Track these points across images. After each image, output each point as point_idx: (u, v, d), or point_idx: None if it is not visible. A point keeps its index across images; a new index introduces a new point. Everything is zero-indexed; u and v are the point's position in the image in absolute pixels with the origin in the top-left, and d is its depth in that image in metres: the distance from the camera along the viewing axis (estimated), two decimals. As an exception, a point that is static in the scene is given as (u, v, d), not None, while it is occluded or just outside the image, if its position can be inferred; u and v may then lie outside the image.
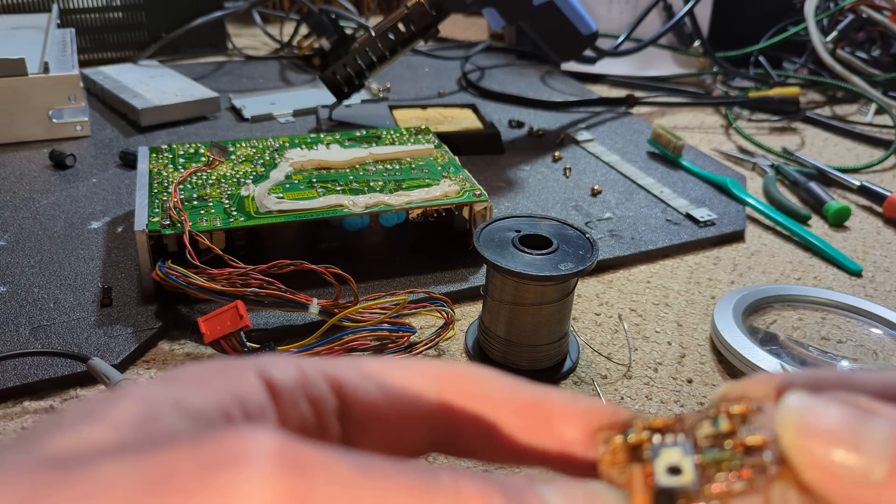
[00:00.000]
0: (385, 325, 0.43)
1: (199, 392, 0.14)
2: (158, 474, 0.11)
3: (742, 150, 0.77)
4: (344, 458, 0.12)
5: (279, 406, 0.15)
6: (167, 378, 0.14)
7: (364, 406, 0.16)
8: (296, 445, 0.12)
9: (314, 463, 0.11)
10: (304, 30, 1.03)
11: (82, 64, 0.85)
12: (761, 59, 0.96)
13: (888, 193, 0.63)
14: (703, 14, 0.95)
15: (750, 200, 0.62)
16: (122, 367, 0.40)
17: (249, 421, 0.14)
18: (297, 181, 0.51)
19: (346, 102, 0.79)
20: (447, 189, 0.50)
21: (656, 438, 0.14)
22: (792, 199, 0.65)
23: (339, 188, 0.50)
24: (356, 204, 0.47)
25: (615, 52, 0.86)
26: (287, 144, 0.57)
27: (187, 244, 0.42)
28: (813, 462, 0.13)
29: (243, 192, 0.49)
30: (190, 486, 0.11)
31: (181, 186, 0.49)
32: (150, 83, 0.81)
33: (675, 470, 0.14)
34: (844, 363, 0.43)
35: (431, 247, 0.53)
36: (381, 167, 0.54)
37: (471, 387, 0.16)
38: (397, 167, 0.54)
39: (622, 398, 0.40)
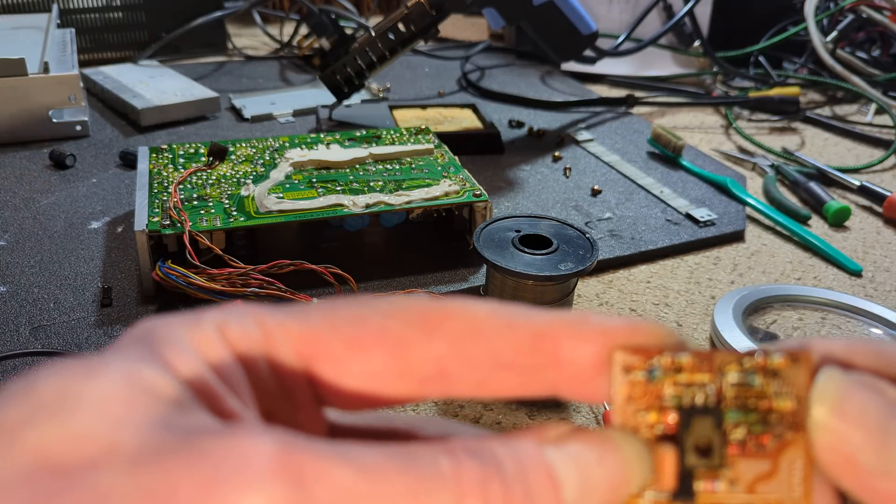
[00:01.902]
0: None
1: (177, 363, 0.13)
2: (160, 492, 0.11)
3: (742, 150, 0.77)
4: (343, 460, 0.12)
5: (245, 370, 0.14)
6: (138, 345, 0.14)
7: (337, 364, 0.15)
8: (294, 451, 0.12)
9: (314, 471, 0.11)
10: (304, 30, 1.03)
11: (82, 64, 0.85)
12: (761, 59, 0.96)
13: (888, 193, 0.63)
14: (703, 14, 0.95)
15: (750, 200, 0.62)
16: (122, 367, 0.40)
17: (233, 391, 0.14)
18: (297, 181, 0.51)
19: (346, 102, 0.79)
20: (447, 189, 0.50)
21: (686, 395, 0.14)
22: (792, 199, 0.65)
23: (339, 188, 0.50)
24: (356, 204, 0.47)
25: (615, 52, 0.86)
26: (287, 144, 0.57)
27: (187, 244, 0.42)
28: (836, 444, 0.13)
29: (243, 192, 0.49)
30: None
31: (181, 186, 0.49)
32: (150, 83, 0.81)
33: (703, 450, 0.13)
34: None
35: (431, 247, 0.53)
36: (381, 167, 0.54)
37: (463, 327, 0.14)
38: (397, 167, 0.54)
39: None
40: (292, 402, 0.15)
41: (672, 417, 0.14)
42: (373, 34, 0.69)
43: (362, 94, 0.86)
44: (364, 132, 0.60)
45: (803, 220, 0.61)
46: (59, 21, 0.89)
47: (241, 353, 0.14)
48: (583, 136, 0.76)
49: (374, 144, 0.57)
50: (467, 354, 0.14)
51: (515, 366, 0.14)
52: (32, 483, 0.11)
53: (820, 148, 0.79)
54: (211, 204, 0.47)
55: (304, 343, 0.15)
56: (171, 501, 0.11)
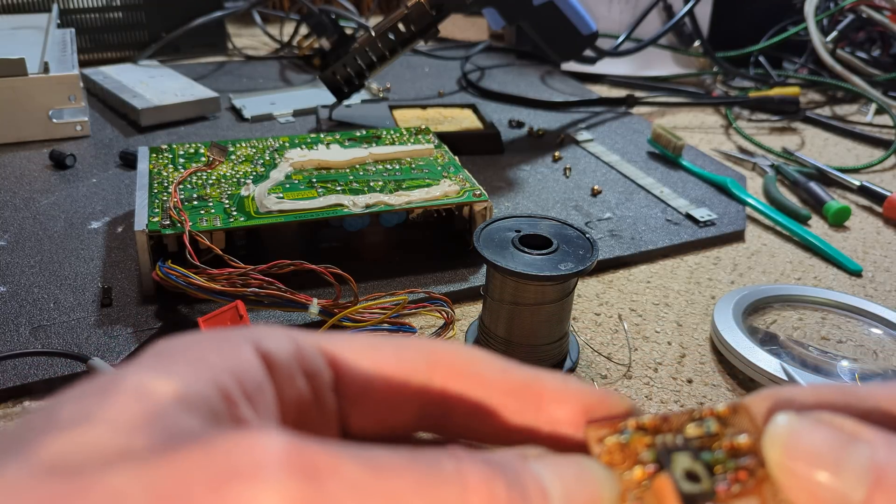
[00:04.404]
0: (385, 325, 0.43)
1: (196, 374, 0.13)
2: (171, 488, 0.11)
3: (742, 150, 0.77)
4: (353, 457, 0.12)
5: (276, 381, 0.15)
6: (160, 358, 0.14)
7: (358, 381, 0.16)
8: (305, 448, 0.12)
9: (325, 466, 0.12)
10: (304, 30, 1.03)
11: (82, 64, 0.85)
12: (761, 59, 0.96)
13: (888, 193, 0.63)
14: (703, 14, 0.95)
15: (750, 200, 0.62)
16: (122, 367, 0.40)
17: (249, 401, 0.14)
18: (297, 181, 0.51)
19: (346, 102, 0.79)
20: (447, 189, 0.50)
21: (659, 441, 0.15)
22: (792, 199, 0.65)
23: (339, 188, 0.50)
24: (356, 204, 0.47)
25: (615, 52, 0.86)
26: (287, 144, 0.57)
27: (187, 244, 0.42)
28: (796, 483, 0.13)
29: (243, 192, 0.49)
30: (204, 502, 0.11)
31: (181, 186, 0.49)
32: (150, 83, 0.81)
33: (692, 476, 0.14)
34: (844, 363, 0.43)
35: (431, 247, 0.53)
36: (381, 167, 0.54)
37: (462, 367, 0.16)
38: (397, 167, 0.54)
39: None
40: (322, 411, 0.16)
41: (654, 466, 0.14)
42: (373, 34, 0.69)
43: (362, 94, 0.86)
44: (364, 132, 0.60)
45: (803, 220, 0.61)
46: (59, 21, 0.89)
47: (273, 363, 0.15)
48: (583, 136, 0.76)
49: (374, 144, 0.57)
50: (465, 389, 0.16)
51: (505, 407, 0.16)
52: (48, 485, 0.11)
53: (820, 148, 0.79)
54: (211, 204, 0.47)
55: (333, 357, 0.16)
56: (183, 498, 0.11)
